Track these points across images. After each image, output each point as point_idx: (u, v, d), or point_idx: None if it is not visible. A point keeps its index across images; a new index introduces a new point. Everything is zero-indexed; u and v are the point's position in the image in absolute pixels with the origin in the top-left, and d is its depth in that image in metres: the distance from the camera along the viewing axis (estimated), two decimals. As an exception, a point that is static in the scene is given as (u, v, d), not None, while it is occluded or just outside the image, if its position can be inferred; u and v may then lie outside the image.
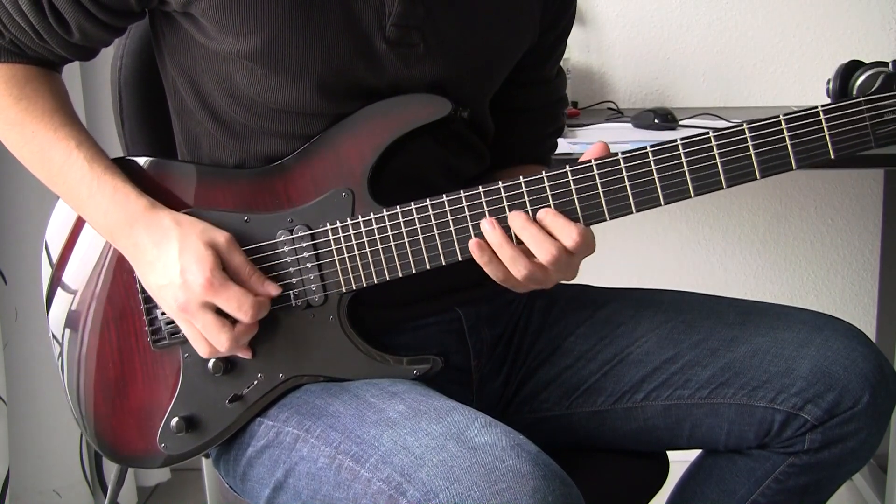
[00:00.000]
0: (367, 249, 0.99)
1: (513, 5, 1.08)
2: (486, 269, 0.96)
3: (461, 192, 0.96)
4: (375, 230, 0.98)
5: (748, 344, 1.10)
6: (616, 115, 2.07)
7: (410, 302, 1.07)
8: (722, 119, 1.93)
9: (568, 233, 0.93)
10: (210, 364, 1.02)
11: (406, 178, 1.03)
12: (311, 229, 1.00)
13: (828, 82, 1.83)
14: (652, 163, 0.92)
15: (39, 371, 1.86)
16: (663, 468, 1.21)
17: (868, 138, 0.89)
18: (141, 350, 1.05)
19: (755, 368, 1.08)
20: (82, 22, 0.99)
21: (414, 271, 0.98)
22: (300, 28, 0.96)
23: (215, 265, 0.96)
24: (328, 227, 1.00)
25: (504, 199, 0.95)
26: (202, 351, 0.99)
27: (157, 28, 1.06)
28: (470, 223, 0.96)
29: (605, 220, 0.94)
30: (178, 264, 0.96)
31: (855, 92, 1.74)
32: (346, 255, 0.99)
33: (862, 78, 1.73)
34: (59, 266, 1.08)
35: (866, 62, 1.77)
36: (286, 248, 1.01)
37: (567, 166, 0.94)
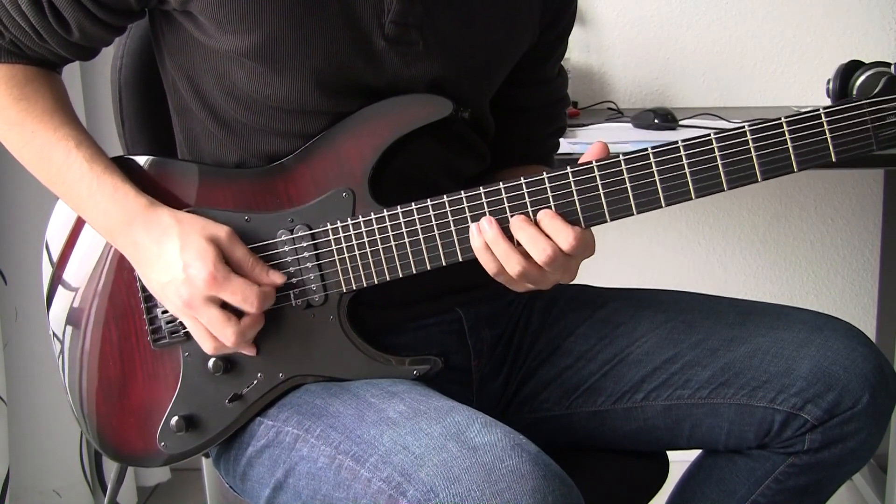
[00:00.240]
0: (368, 249, 0.99)
1: (512, 5, 1.08)
2: (481, 258, 0.96)
3: (462, 192, 0.96)
4: (376, 230, 0.98)
5: (748, 344, 1.10)
6: (616, 115, 2.07)
7: (411, 302, 1.07)
8: (722, 119, 1.93)
9: (564, 235, 0.93)
10: (210, 363, 1.02)
11: (407, 178, 1.03)
12: (311, 229, 1.00)
13: (828, 82, 1.83)
14: (653, 164, 0.92)
15: (39, 371, 1.86)
16: (663, 468, 1.22)
17: (870, 141, 0.89)
18: (141, 349, 1.05)
19: (755, 368, 1.08)
20: (82, 21, 0.99)
21: (414, 271, 0.98)
22: (299, 25, 0.96)
23: (217, 259, 0.96)
24: (328, 226, 1.00)
25: (505, 199, 0.95)
26: (208, 347, 0.99)
27: (156, 27, 1.06)
28: (470, 224, 0.96)
29: (605, 221, 0.94)
30: (179, 261, 0.96)
31: (855, 92, 1.74)
32: (346, 255, 0.99)
33: (862, 78, 1.73)
34: (60, 265, 1.08)
35: (866, 62, 1.77)
36: (286, 248, 1.01)
37: (568, 167, 0.94)
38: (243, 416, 1.03)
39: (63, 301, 1.08)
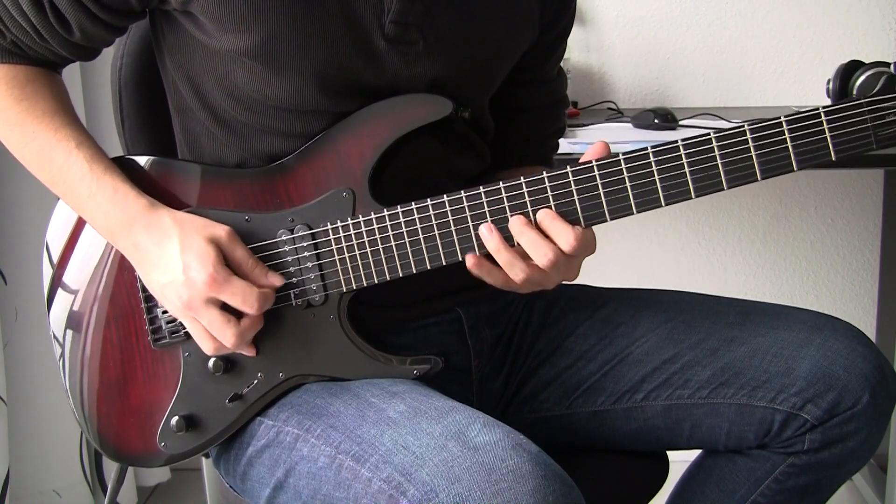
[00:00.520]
0: (368, 249, 0.99)
1: (512, 4, 1.08)
2: (486, 280, 0.97)
3: (462, 192, 0.96)
4: (376, 230, 0.98)
5: (748, 344, 1.10)
6: (616, 115, 2.07)
7: (411, 302, 1.07)
8: (722, 119, 1.93)
9: (565, 236, 0.93)
10: (210, 363, 1.02)
11: (407, 178, 1.03)
12: (311, 229, 1.00)
13: (828, 82, 1.83)
14: (653, 164, 0.92)
15: (39, 371, 1.86)
16: (663, 468, 1.22)
17: (869, 140, 0.89)
18: (141, 349, 1.05)
19: (755, 368, 1.08)
20: (83, 21, 0.99)
21: (414, 271, 0.98)
22: (299, 24, 0.96)
23: (217, 260, 0.96)
24: (329, 226, 1.00)
25: (505, 199, 0.95)
26: (207, 348, 0.99)
27: (157, 27, 1.07)
28: (471, 223, 0.96)
29: (605, 220, 0.94)
30: (180, 262, 0.96)
31: (855, 92, 1.74)
32: (346, 254, 0.99)
33: (862, 78, 1.74)
34: (60, 266, 1.08)
35: (866, 62, 1.77)
36: (287, 248, 1.01)
37: (568, 167, 0.94)
38: (243, 415, 1.03)
39: (63, 303, 1.08)
